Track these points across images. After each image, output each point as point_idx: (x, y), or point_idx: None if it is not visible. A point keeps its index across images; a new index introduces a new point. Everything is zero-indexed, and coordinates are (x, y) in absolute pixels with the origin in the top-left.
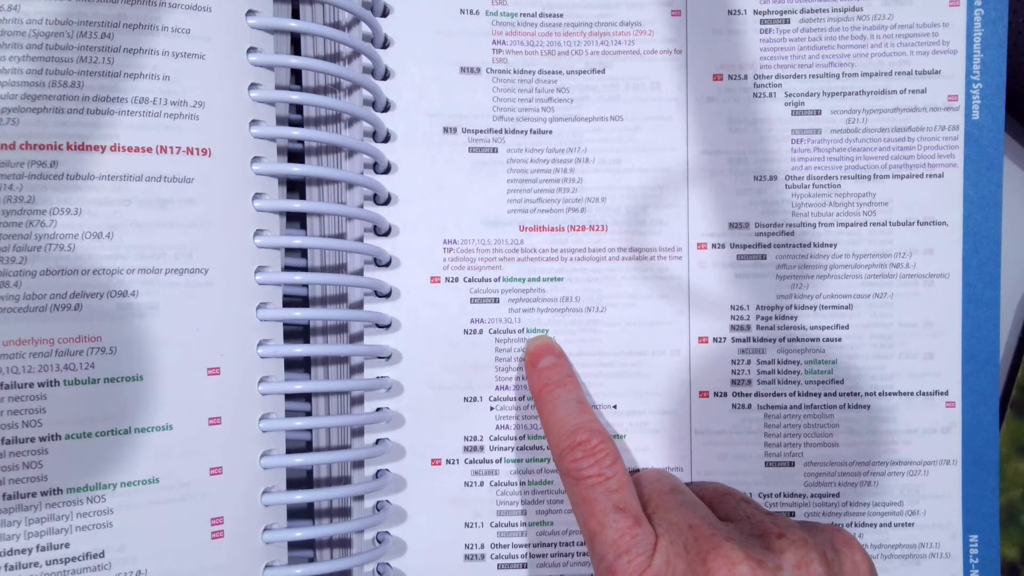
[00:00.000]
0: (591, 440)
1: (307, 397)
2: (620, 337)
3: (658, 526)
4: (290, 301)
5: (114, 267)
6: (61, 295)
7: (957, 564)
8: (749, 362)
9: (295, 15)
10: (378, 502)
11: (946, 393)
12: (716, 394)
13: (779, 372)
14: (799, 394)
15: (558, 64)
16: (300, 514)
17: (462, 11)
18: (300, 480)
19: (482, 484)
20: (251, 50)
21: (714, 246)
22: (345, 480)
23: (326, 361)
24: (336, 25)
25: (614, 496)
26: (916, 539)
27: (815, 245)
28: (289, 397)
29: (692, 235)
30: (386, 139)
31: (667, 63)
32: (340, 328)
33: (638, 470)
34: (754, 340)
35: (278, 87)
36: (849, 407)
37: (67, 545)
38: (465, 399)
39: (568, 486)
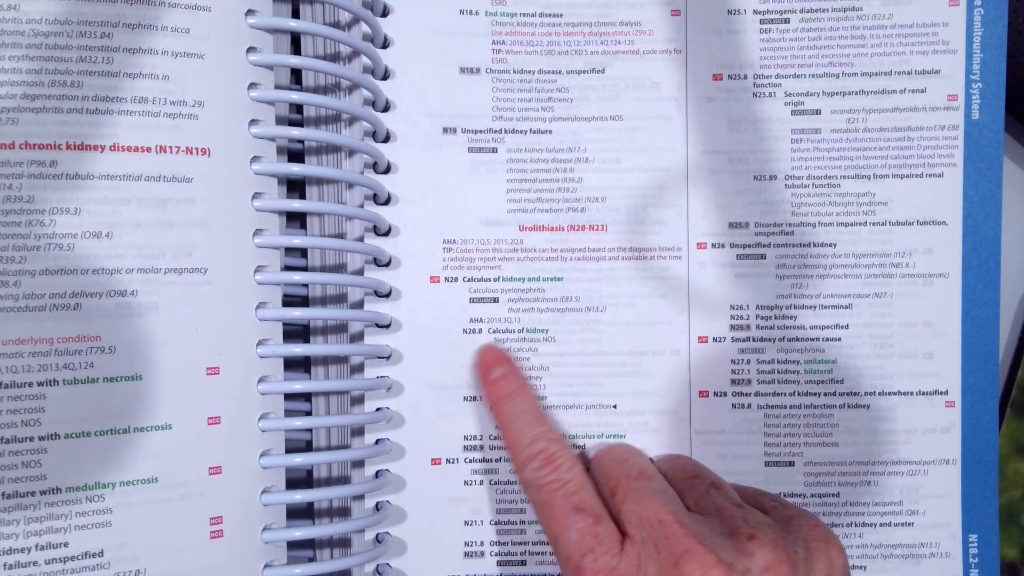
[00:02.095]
0: (548, 448)
1: (307, 397)
2: (620, 337)
3: (628, 523)
4: (290, 301)
5: (113, 267)
6: (60, 295)
7: (957, 564)
8: (749, 362)
9: (295, 15)
10: (378, 502)
11: (946, 393)
12: (716, 394)
13: (779, 372)
14: (799, 394)
15: (558, 64)
16: (300, 514)
17: (462, 11)
18: (300, 480)
19: (482, 483)
20: (251, 50)
21: (714, 246)
22: (345, 480)
23: (326, 361)
24: (336, 25)
25: (573, 498)
26: (916, 539)
27: (815, 245)
28: (289, 397)
29: (692, 235)
30: (386, 139)
31: (667, 63)
32: (340, 328)
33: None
34: (754, 340)
35: (278, 87)
36: (849, 407)
37: (66, 544)
38: (465, 399)
39: (530, 495)
